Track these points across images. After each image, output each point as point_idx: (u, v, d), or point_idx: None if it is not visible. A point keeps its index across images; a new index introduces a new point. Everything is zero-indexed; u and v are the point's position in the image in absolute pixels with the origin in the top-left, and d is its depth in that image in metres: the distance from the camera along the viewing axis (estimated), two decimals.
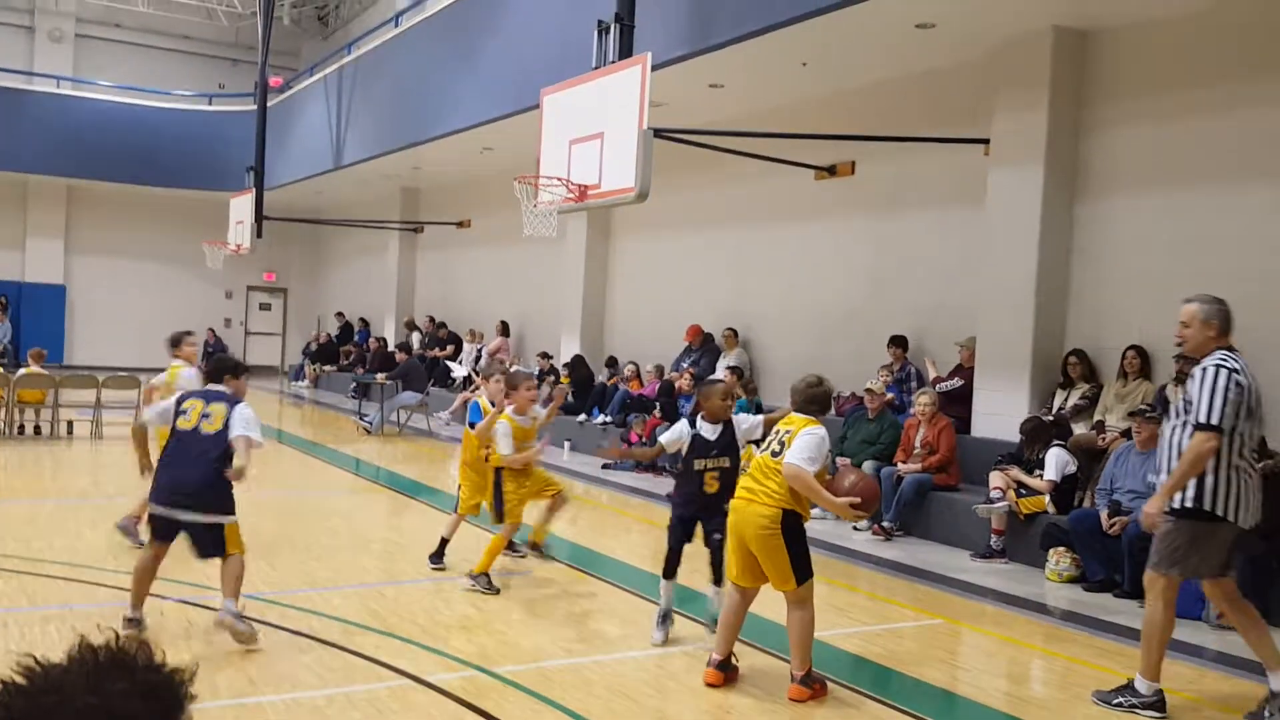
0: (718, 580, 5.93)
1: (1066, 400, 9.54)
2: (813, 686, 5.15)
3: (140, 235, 27.17)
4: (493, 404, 7.53)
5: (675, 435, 6.04)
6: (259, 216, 20.46)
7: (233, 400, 5.71)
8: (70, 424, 14.26)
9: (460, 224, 21.38)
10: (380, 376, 17.48)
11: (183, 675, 1.40)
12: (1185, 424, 5.10)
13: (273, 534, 8.63)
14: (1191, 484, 5.04)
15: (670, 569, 6.02)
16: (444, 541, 7.61)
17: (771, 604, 5.77)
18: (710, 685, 5.25)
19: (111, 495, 10.35)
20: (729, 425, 5.96)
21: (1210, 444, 4.97)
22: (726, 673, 5.33)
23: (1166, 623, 5.26)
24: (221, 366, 5.99)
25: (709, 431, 5.93)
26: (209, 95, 26.46)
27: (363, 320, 25.57)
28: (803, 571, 5.11)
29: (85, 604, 6.29)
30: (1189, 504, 5.08)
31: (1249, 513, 5.11)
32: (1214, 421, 4.96)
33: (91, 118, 24.46)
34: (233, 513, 5.62)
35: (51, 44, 27.06)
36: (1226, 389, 4.98)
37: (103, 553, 7.56)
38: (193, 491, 5.49)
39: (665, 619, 6.04)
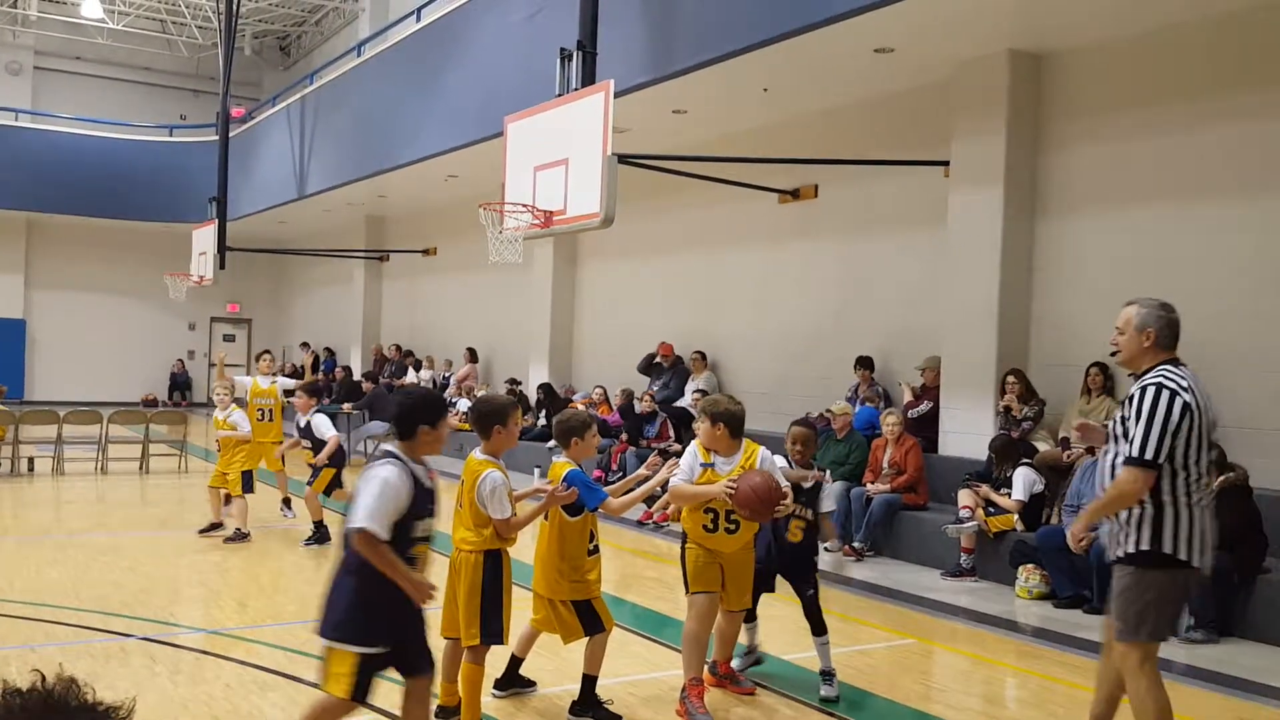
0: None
1: (1008, 419, 9.57)
2: None
3: (101, 268, 26.93)
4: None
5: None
6: (222, 247, 20.30)
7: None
8: (31, 460, 14.04)
9: (426, 252, 21.33)
10: (347, 406, 17.34)
11: (119, 713, 1.36)
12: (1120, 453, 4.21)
13: (240, 570, 8.52)
14: (1148, 522, 4.16)
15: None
16: None
17: (772, 639, 5.79)
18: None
19: (73, 532, 10.19)
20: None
21: (1138, 485, 4.09)
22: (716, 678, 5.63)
23: (1162, 704, 4.18)
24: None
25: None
26: (170, 126, 26.29)
27: (328, 350, 25.40)
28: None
29: (47, 643, 6.18)
30: (1145, 546, 4.16)
31: (1206, 555, 4.21)
32: (1148, 457, 4.06)
33: (51, 150, 24.23)
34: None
35: (10, 76, 26.83)
36: (1168, 415, 4.06)
37: (65, 591, 7.44)
38: None
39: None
